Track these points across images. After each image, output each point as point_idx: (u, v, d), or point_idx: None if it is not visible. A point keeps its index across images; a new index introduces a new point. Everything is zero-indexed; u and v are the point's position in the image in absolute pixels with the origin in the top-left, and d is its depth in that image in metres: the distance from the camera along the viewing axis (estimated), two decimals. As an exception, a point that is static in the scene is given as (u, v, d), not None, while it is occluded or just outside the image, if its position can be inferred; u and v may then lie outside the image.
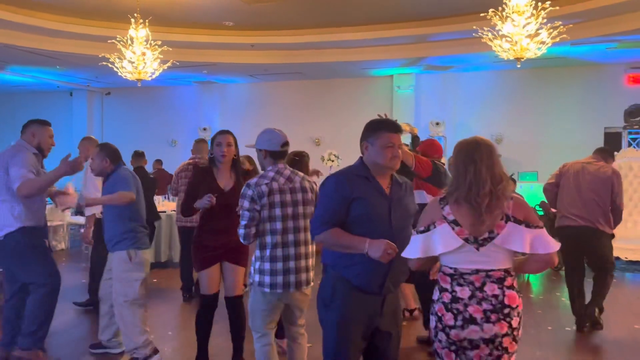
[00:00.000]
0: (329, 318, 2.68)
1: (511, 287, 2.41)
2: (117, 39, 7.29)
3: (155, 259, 7.68)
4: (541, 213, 8.60)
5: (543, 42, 6.07)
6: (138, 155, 7.71)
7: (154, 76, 7.55)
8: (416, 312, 5.40)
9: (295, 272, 3.20)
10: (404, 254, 2.47)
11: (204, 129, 12.80)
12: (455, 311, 2.38)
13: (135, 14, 7.25)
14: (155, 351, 4.10)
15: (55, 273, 4.09)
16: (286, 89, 12.71)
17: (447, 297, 2.41)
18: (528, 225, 2.36)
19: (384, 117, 3.76)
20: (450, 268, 2.42)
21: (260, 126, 12.74)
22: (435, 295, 2.49)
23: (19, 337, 4.01)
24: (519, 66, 6.47)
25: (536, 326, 5.34)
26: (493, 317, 2.34)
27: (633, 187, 8.53)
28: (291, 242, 3.21)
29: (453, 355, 2.41)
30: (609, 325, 5.45)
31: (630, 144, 9.34)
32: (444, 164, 4.81)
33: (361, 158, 2.79)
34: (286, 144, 3.33)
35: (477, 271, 2.37)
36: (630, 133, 9.42)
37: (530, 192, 9.45)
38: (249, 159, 5.25)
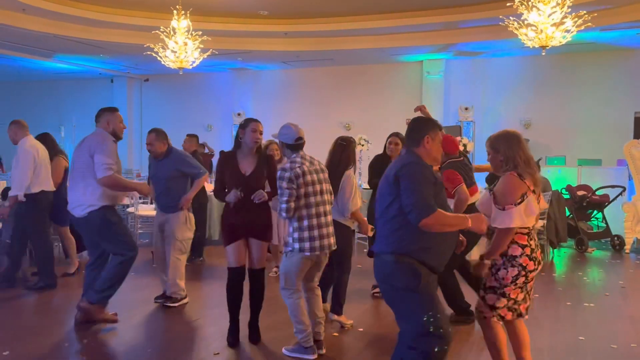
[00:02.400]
0: (422, 299, 2.79)
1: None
2: (161, 29, 7.73)
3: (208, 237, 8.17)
4: (567, 196, 8.81)
5: (568, 31, 6.25)
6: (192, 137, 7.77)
7: (195, 64, 7.98)
8: None
9: (326, 237, 3.93)
10: (502, 226, 3.14)
11: (238, 114, 13.24)
12: (534, 259, 3.22)
13: (178, 6, 7.67)
14: (186, 296, 5.28)
15: (132, 245, 4.66)
16: (318, 75, 13.04)
17: (528, 250, 3.20)
18: None
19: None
20: (525, 228, 3.20)
21: (293, 111, 13.23)
22: (518, 251, 3.21)
23: (89, 291, 4.60)
24: (543, 54, 6.66)
25: (556, 302, 5.63)
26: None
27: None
28: (321, 213, 3.91)
29: (519, 291, 3.26)
30: (628, 301, 5.71)
31: (658, 129, 9.42)
32: (462, 156, 4.99)
33: (411, 151, 2.95)
34: (299, 138, 3.96)
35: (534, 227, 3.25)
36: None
37: (558, 175, 9.63)
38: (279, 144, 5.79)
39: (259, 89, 13.60)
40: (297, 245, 3.85)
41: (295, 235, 3.86)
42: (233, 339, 4.26)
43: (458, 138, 9.50)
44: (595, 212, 8.87)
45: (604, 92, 10.71)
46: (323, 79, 12.99)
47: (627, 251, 8.33)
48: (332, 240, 3.99)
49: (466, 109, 11.49)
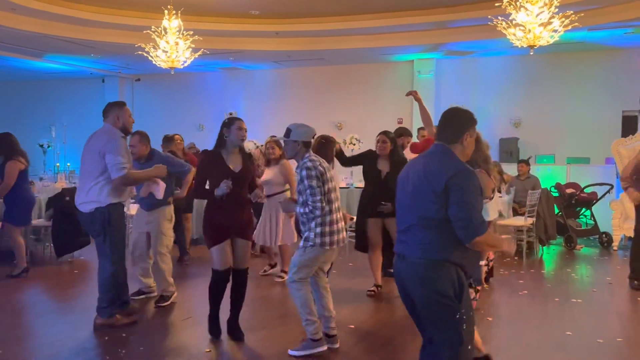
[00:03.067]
0: (466, 304, 2.67)
1: None
2: (152, 29, 7.74)
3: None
4: (556, 194, 8.91)
5: (555, 31, 6.33)
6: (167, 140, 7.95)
7: (186, 64, 8.01)
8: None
9: (342, 231, 4.09)
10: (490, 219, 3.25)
11: (230, 114, 13.23)
12: None
13: (169, 5, 7.69)
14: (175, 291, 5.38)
15: (122, 256, 4.68)
16: (309, 75, 13.08)
17: None
18: None
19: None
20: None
21: (284, 111, 13.22)
22: None
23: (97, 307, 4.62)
24: (531, 53, 6.73)
25: (545, 298, 5.71)
26: None
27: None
28: (336, 209, 4.04)
29: None
30: (615, 297, 5.81)
31: (645, 127, 9.53)
32: None
33: (447, 148, 2.72)
34: (314, 135, 4.11)
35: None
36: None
37: (547, 174, 9.74)
38: (279, 143, 5.83)
39: (251, 88, 13.62)
40: (319, 240, 3.92)
41: (318, 230, 3.92)
42: (218, 332, 4.34)
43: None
44: (583, 209, 8.98)
45: (592, 91, 10.82)
46: (314, 78, 13.03)
47: (614, 248, 8.45)
48: (345, 234, 4.14)
49: (457, 108, 11.54)
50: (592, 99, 10.80)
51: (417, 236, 2.66)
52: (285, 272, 6.18)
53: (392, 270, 6.59)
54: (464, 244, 2.58)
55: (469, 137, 2.75)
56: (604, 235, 8.68)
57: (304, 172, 3.88)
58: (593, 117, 10.70)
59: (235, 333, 4.35)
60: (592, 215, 8.85)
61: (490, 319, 4.95)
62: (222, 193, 4.10)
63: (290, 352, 4.06)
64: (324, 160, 4.09)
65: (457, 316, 2.61)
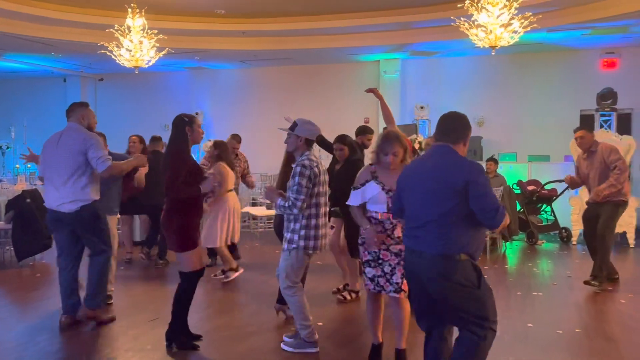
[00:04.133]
0: (485, 289, 2.92)
1: None
2: (115, 27, 7.63)
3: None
4: (518, 191, 9.14)
5: (515, 32, 6.51)
6: (155, 140, 7.81)
7: (150, 63, 7.92)
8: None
9: (326, 237, 4.11)
10: None
11: (196, 114, 13.11)
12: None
13: (132, 4, 7.58)
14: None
15: (110, 243, 4.76)
16: (276, 74, 13.07)
17: None
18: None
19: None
20: None
21: (251, 110, 13.19)
22: None
23: (85, 299, 4.63)
24: (493, 54, 6.91)
25: (507, 291, 5.86)
26: None
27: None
28: (324, 214, 4.03)
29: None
30: (574, 290, 6.00)
31: (601, 126, 9.87)
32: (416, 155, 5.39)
33: (451, 147, 2.93)
34: (319, 135, 4.23)
35: None
36: (602, 115, 9.95)
37: (510, 171, 9.98)
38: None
39: (217, 88, 13.53)
40: (302, 243, 3.91)
41: (302, 232, 3.90)
42: (193, 340, 4.20)
43: (414, 136, 9.74)
44: (544, 206, 9.24)
45: (552, 90, 11.14)
46: (281, 78, 13.03)
47: (574, 243, 8.72)
48: (326, 240, 4.13)
49: (422, 107, 11.74)
50: (552, 99, 11.12)
51: (436, 232, 2.82)
52: (224, 272, 6.26)
53: None
54: (493, 229, 3.00)
55: (468, 141, 3.04)
56: (563, 231, 8.95)
57: (298, 169, 3.85)
58: (552, 116, 11.01)
59: (193, 334, 4.26)
60: (552, 211, 9.11)
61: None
62: (209, 188, 4.04)
63: (283, 346, 4.14)
64: (321, 163, 4.06)
65: (481, 298, 2.87)
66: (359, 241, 3.75)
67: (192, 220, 4.07)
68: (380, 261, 3.66)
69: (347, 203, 3.77)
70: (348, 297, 5.49)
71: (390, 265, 3.64)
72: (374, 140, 3.81)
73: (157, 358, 4.01)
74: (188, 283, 4.12)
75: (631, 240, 8.58)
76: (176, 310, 4.14)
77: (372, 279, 3.70)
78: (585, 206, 6.24)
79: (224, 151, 6.23)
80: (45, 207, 4.68)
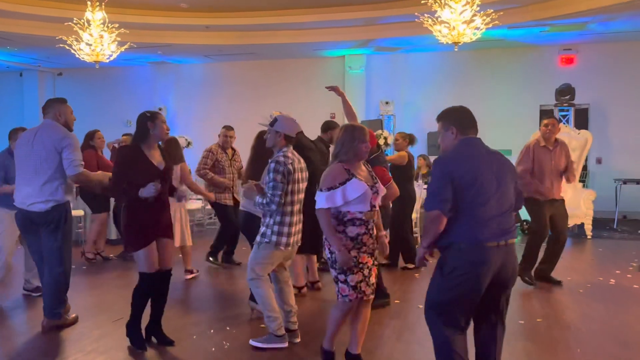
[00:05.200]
0: None
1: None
2: (74, 21, 7.42)
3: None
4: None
5: (478, 28, 6.62)
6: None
7: (111, 58, 7.74)
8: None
9: (299, 233, 4.11)
10: None
11: (160, 109, 12.91)
12: None
13: (92, -4, 7.40)
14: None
15: (70, 256, 4.61)
16: (240, 69, 12.97)
17: None
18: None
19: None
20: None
21: (215, 105, 13.05)
22: None
23: (45, 311, 4.46)
24: (456, 50, 7.01)
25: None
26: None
27: (563, 160, 9.30)
28: (298, 211, 4.05)
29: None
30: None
31: (560, 120, 10.13)
32: (379, 150, 5.47)
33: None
34: (300, 132, 4.10)
35: None
36: (560, 110, 10.23)
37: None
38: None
39: (181, 83, 13.34)
40: (274, 238, 3.94)
41: (276, 228, 3.93)
42: (143, 342, 4.10)
43: (379, 131, 9.81)
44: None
45: (512, 86, 11.39)
46: (246, 73, 12.93)
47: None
48: (299, 237, 4.15)
49: (387, 103, 11.84)
50: (512, 94, 11.38)
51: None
52: (189, 271, 6.22)
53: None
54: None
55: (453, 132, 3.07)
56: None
57: (272, 165, 3.88)
58: (513, 111, 11.27)
59: (165, 339, 4.19)
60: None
61: (420, 306, 5.12)
62: (149, 195, 3.84)
63: (251, 341, 4.13)
64: (301, 161, 4.05)
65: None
66: (331, 260, 3.49)
67: (137, 221, 3.94)
68: (360, 265, 3.47)
69: (319, 207, 3.41)
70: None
71: (368, 267, 3.50)
72: (337, 136, 3.57)
73: (120, 358, 3.94)
74: (141, 283, 4.04)
75: (588, 232, 8.86)
76: (131, 307, 4.09)
77: (355, 287, 3.46)
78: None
79: (169, 147, 5.82)
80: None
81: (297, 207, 4.02)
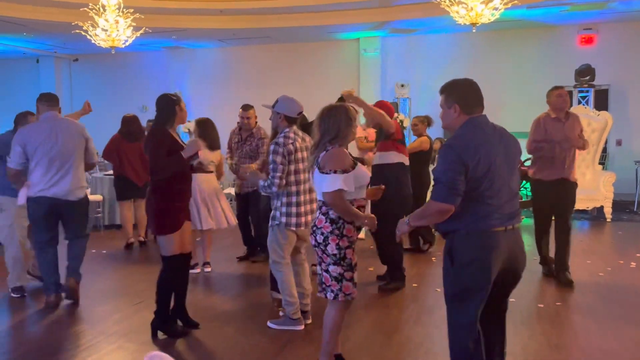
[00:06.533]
0: None
1: (323, 213, 3.20)
2: (90, 6, 7.42)
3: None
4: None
5: (496, 8, 6.50)
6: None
7: (127, 43, 7.74)
8: None
9: (310, 213, 4.03)
10: None
11: (175, 93, 12.92)
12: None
13: (107, -18, 7.39)
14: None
15: None
16: (255, 53, 12.91)
17: None
18: (321, 170, 3.16)
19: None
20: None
21: (230, 90, 13.03)
22: None
23: (73, 272, 4.83)
24: (474, 31, 6.89)
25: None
26: (310, 231, 3.30)
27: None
28: (307, 190, 4.01)
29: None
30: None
31: (579, 102, 9.98)
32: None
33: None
34: (301, 113, 4.05)
35: (318, 200, 3.29)
36: (580, 91, 10.06)
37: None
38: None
39: (195, 68, 13.33)
40: (284, 220, 3.95)
41: (284, 209, 3.95)
42: (178, 330, 4.10)
43: (395, 115, 9.74)
44: (523, 182, 9.35)
45: (531, 67, 11.19)
46: (260, 57, 12.87)
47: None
48: (311, 217, 3.97)
49: (402, 86, 11.72)
50: (530, 75, 11.17)
51: (518, 203, 2.81)
52: (208, 264, 5.99)
53: None
54: None
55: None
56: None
57: (272, 147, 3.90)
58: (531, 93, 11.05)
59: (190, 321, 4.21)
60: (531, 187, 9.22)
61: (438, 290, 5.12)
62: (191, 153, 3.87)
63: (269, 323, 4.21)
64: (306, 139, 4.00)
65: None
66: (336, 257, 3.19)
67: (173, 204, 3.95)
68: (354, 263, 3.28)
69: (336, 188, 3.09)
70: None
71: (355, 263, 3.29)
72: (325, 117, 3.26)
73: (141, 341, 3.99)
74: (167, 268, 4.01)
75: (608, 215, 8.76)
76: (158, 297, 4.04)
77: (355, 285, 3.27)
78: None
79: (205, 130, 5.92)
80: None
81: (303, 186, 3.98)
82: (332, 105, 3.35)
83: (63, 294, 4.83)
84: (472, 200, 2.67)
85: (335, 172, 3.10)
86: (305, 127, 4.48)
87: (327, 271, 3.22)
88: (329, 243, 3.18)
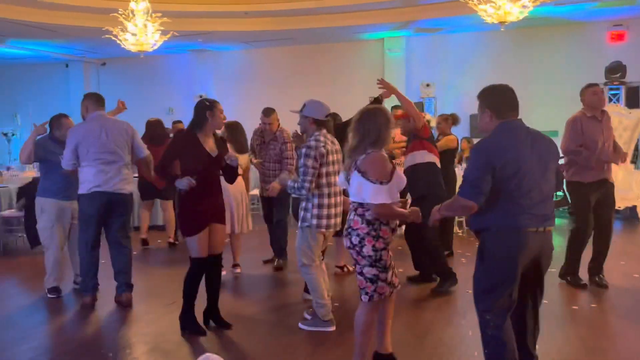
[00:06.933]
0: None
1: (360, 215, 3.17)
2: (119, 11, 7.54)
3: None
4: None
5: (525, 6, 6.41)
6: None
7: (155, 47, 7.85)
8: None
9: (338, 216, 4.10)
10: None
11: (200, 96, 13.04)
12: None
13: (135, -13, 7.50)
14: None
15: None
16: (279, 55, 12.96)
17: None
18: (363, 175, 3.09)
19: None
20: None
21: (255, 92, 13.06)
22: None
23: (127, 287, 4.93)
24: (502, 29, 6.81)
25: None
26: (345, 233, 3.26)
27: (613, 141, 8.99)
28: (337, 193, 4.07)
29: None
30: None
31: (610, 100, 9.79)
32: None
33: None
34: (329, 115, 4.08)
35: (352, 201, 3.25)
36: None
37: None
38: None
39: (220, 70, 13.44)
40: (314, 222, 3.99)
41: (315, 211, 3.98)
42: (200, 328, 4.15)
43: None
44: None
45: (558, 65, 11.02)
46: (284, 58, 12.92)
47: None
48: (339, 219, 4.12)
49: (427, 85, 11.65)
50: (558, 73, 11.01)
51: (553, 205, 2.94)
52: (237, 265, 5.98)
53: None
54: None
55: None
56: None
57: (304, 150, 3.93)
58: (559, 91, 10.89)
59: (222, 322, 4.27)
60: (561, 187, 9.08)
61: (469, 291, 5.07)
62: (182, 187, 3.90)
63: (300, 324, 4.24)
64: (335, 142, 4.07)
65: None
66: (373, 259, 3.18)
67: (196, 206, 4.00)
68: (388, 265, 3.29)
69: (382, 202, 3.07)
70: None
71: (390, 264, 3.30)
72: (363, 120, 3.21)
73: (175, 341, 4.05)
74: (193, 268, 4.10)
75: (641, 215, 8.58)
76: (183, 295, 4.15)
77: (390, 284, 3.29)
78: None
79: (234, 134, 5.87)
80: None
81: (334, 188, 4.02)
82: (372, 107, 3.34)
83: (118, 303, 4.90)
84: (502, 199, 2.82)
85: (381, 183, 3.08)
86: (340, 127, 4.52)
87: (361, 273, 3.20)
88: (365, 245, 3.15)
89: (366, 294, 3.20)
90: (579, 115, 5.19)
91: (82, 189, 4.73)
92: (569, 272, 5.23)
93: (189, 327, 4.14)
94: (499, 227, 2.84)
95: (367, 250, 3.15)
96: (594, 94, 5.12)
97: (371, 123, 3.18)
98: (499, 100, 2.96)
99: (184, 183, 3.89)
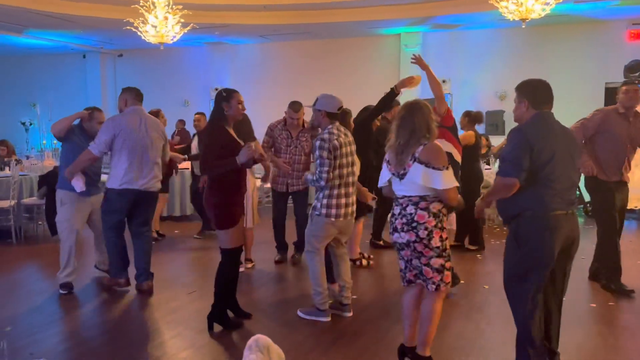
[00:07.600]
0: None
1: (423, 208, 3.18)
2: (140, 3, 7.60)
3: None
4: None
5: (547, 3, 6.39)
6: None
7: (175, 39, 7.91)
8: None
9: (350, 206, 4.18)
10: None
11: (216, 89, 13.09)
12: (391, 222, 3.32)
13: (156, -21, 7.55)
14: None
15: None
16: (295, 49, 12.98)
17: (391, 213, 3.38)
18: (427, 165, 3.13)
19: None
20: (394, 194, 3.34)
21: (270, 85, 13.09)
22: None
23: (148, 275, 5.05)
24: (524, 27, 6.79)
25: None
26: (405, 228, 3.21)
27: (630, 140, 8.94)
28: (349, 184, 4.16)
29: (398, 252, 3.36)
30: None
31: (629, 99, 9.71)
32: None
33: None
34: (341, 107, 4.15)
35: (404, 196, 3.24)
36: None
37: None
38: None
39: (236, 63, 13.49)
40: (324, 211, 4.08)
41: (325, 201, 4.08)
42: (235, 322, 4.17)
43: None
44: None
45: (576, 63, 10.96)
46: (301, 53, 12.94)
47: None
48: (354, 208, 4.23)
49: (444, 81, 11.58)
50: (576, 71, 10.94)
51: (575, 194, 3.15)
52: (249, 260, 5.91)
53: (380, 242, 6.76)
54: None
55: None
56: (588, 205, 8.92)
57: (317, 143, 4.01)
58: (577, 89, 10.84)
59: (242, 312, 4.30)
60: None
61: (486, 287, 5.11)
62: (246, 159, 3.81)
63: (298, 311, 4.37)
64: (348, 135, 4.18)
65: None
66: (440, 249, 3.24)
67: (230, 198, 3.96)
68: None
69: (453, 186, 3.18)
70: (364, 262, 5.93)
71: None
72: (414, 114, 3.26)
73: (198, 329, 4.11)
74: (227, 260, 4.05)
75: (658, 215, 8.54)
76: (217, 289, 4.08)
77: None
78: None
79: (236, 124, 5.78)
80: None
81: (345, 180, 4.10)
82: (414, 101, 3.35)
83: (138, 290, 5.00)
84: (537, 184, 3.01)
85: (447, 168, 3.18)
86: (362, 123, 4.69)
87: (427, 264, 3.22)
88: (433, 237, 3.18)
89: (433, 283, 3.24)
90: (610, 108, 5.15)
91: (113, 183, 4.76)
92: (611, 279, 5.03)
93: (223, 321, 4.10)
94: (533, 210, 3.03)
95: (435, 241, 3.20)
96: (625, 92, 5.02)
97: (419, 116, 3.25)
98: (535, 92, 3.18)
99: (245, 154, 3.79)
